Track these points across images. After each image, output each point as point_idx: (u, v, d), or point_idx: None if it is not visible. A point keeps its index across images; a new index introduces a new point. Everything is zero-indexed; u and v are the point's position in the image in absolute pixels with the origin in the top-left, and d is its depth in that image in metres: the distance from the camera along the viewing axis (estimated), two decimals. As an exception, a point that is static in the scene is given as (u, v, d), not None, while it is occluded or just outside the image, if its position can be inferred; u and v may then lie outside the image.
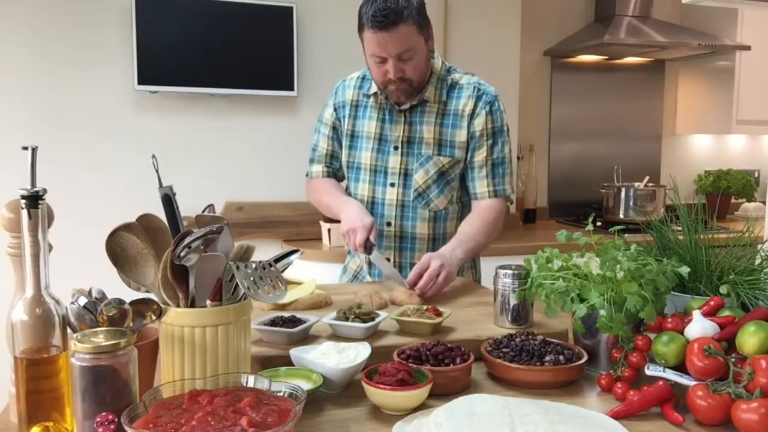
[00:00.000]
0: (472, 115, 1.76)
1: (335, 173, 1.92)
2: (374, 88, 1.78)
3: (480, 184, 1.79)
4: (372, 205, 1.82)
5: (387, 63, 1.64)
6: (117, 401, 0.83)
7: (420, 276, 1.54)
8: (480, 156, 1.77)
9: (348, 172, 1.88)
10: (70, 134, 2.75)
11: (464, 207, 1.86)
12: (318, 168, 1.91)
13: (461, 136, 1.76)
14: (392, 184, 1.79)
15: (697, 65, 3.83)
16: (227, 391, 0.86)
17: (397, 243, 1.81)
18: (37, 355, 0.86)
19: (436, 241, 1.81)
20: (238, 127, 2.98)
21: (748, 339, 0.99)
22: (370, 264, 1.86)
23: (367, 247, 1.63)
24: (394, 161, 1.78)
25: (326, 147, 1.89)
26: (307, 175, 1.96)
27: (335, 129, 1.87)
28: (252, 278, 0.93)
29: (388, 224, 1.81)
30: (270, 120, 3.01)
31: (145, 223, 0.99)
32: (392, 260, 1.81)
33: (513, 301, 1.28)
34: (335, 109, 1.86)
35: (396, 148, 1.78)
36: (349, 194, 1.88)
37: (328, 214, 1.91)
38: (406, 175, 1.79)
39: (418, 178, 1.77)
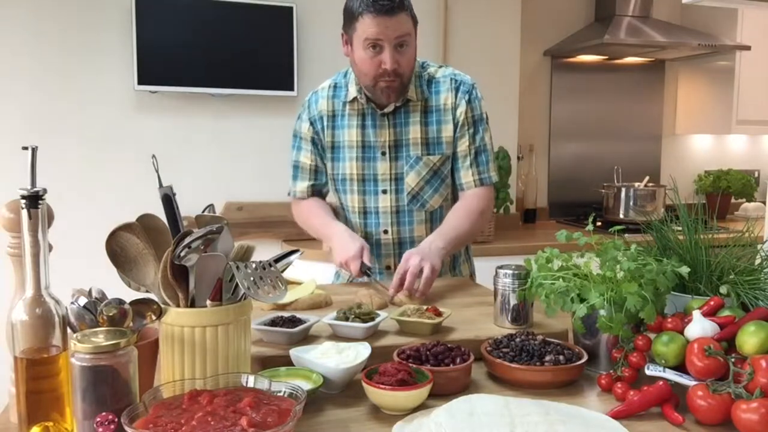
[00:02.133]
0: (453, 107, 1.74)
1: (320, 190, 1.87)
2: (352, 94, 1.74)
3: (465, 174, 1.77)
4: (365, 215, 1.79)
5: (383, 53, 1.61)
6: (117, 401, 0.83)
7: (404, 277, 1.51)
8: (462, 146, 1.75)
9: (336, 185, 1.83)
10: (70, 134, 2.76)
11: (456, 200, 1.84)
12: (302, 186, 1.84)
13: (448, 131, 1.74)
14: (384, 191, 1.76)
15: (697, 65, 3.83)
16: (227, 391, 0.86)
17: (396, 249, 1.79)
18: (37, 355, 0.86)
19: None
20: (238, 127, 2.98)
21: (748, 339, 0.99)
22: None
23: (364, 272, 1.62)
24: (382, 167, 1.75)
25: (309, 162, 1.83)
26: (289, 193, 1.90)
27: (315, 143, 1.82)
28: (252, 278, 0.93)
29: (385, 232, 1.78)
30: (270, 120, 3.01)
31: (145, 223, 0.99)
32: (392, 267, 1.79)
33: (513, 301, 1.28)
34: (311, 123, 1.81)
35: (383, 153, 1.75)
36: (339, 207, 1.85)
37: (316, 237, 1.87)
38: (396, 179, 1.76)
39: (410, 180, 1.75)
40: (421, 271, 1.51)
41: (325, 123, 1.79)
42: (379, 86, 1.66)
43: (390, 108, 1.73)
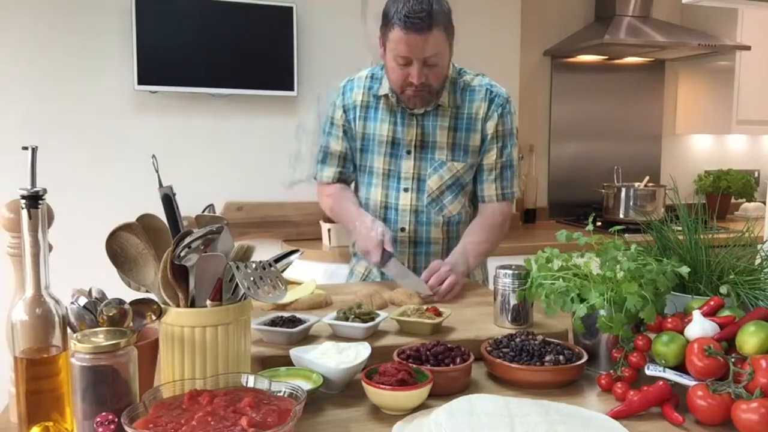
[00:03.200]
0: (484, 119, 1.74)
1: (347, 177, 1.87)
2: (384, 89, 1.74)
3: (488, 187, 1.78)
4: (385, 210, 1.80)
5: (411, 66, 1.60)
6: (117, 401, 0.83)
7: (431, 276, 1.57)
8: (489, 159, 1.76)
9: (359, 176, 1.84)
10: (71, 134, 2.75)
11: (476, 209, 1.85)
12: (329, 172, 1.84)
13: (475, 140, 1.74)
14: (405, 189, 1.77)
15: (697, 65, 3.83)
16: (227, 391, 0.86)
17: (411, 248, 1.79)
18: (37, 355, 0.86)
19: (450, 244, 1.79)
20: (238, 127, 2.97)
21: (748, 339, 0.99)
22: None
23: (384, 261, 1.63)
24: (407, 166, 1.76)
25: (339, 149, 1.82)
26: (315, 177, 1.90)
27: (345, 131, 1.81)
28: (252, 278, 0.93)
29: (402, 230, 1.78)
30: (270, 120, 3.01)
31: (145, 223, 0.99)
32: (406, 265, 1.79)
33: (513, 301, 1.28)
34: (345, 111, 1.80)
35: (409, 152, 1.75)
36: (359, 198, 1.85)
37: (340, 222, 1.89)
38: (419, 179, 1.76)
39: (432, 183, 1.75)
40: (445, 278, 1.57)
41: (358, 113, 1.79)
42: (406, 94, 1.67)
43: (420, 110, 1.73)
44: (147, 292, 0.97)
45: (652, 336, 1.08)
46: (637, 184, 3.54)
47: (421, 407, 0.98)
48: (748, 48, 3.47)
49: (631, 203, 3.46)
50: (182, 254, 0.90)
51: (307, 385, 0.97)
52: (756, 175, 4.08)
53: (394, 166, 1.77)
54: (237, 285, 0.93)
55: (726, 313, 1.09)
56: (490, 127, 1.74)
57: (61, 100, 2.73)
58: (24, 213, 0.85)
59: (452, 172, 1.74)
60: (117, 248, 0.96)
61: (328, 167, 1.85)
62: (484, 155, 1.76)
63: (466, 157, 1.75)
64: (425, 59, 1.58)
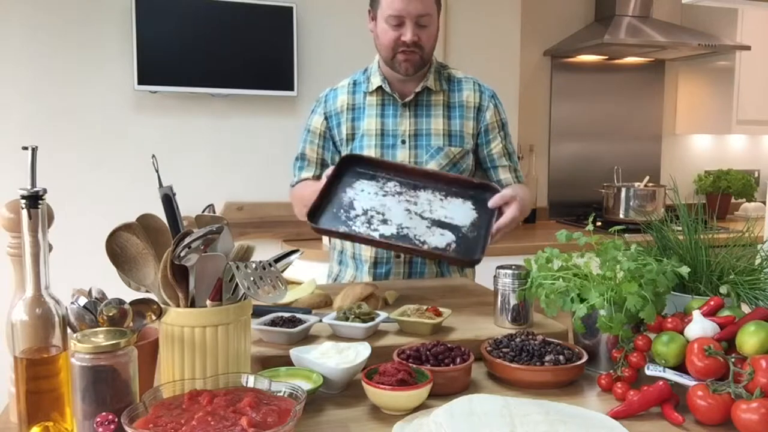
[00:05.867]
0: (479, 108, 1.79)
1: None
2: (375, 84, 1.77)
3: (503, 171, 1.82)
4: None
5: (404, 26, 1.66)
6: (117, 401, 0.83)
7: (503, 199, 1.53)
8: (497, 147, 1.81)
9: None
10: (71, 134, 2.75)
11: None
12: (307, 176, 1.85)
13: (469, 127, 1.79)
14: None
15: (697, 65, 3.83)
16: (227, 391, 0.87)
17: None
18: (37, 355, 0.86)
19: None
20: (238, 127, 2.98)
21: (748, 339, 0.99)
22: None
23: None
24: (402, 155, 1.77)
25: (315, 155, 1.84)
26: (292, 184, 1.90)
27: (325, 138, 1.83)
28: (252, 278, 0.93)
29: None
30: (270, 120, 3.01)
31: (145, 223, 0.99)
32: (403, 258, 1.80)
33: (513, 301, 1.28)
34: (326, 118, 1.82)
35: (403, 142, 1.77)
36: None
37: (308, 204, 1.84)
38: None
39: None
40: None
41: (346, 116, 1.81)
42: (397, 58, 1.71)
43: (411, 96, 1.77)
44: (147, 292, 0.97)
45: (652, 336, 1.08)
46: (637, 184, 3.54)
47: (421, 407, 0.98)
48: (748, 48, 3.47)
49: (631, 203, 3.46)
50: (182, 254, 0.90)
51: (307, 385, 0.97)
52: (756, 175, 4.08)
53: (387, 157, 1.77)
54: (237, 285, 0.93)
55: (726, 313, 1.09)
56: (490, 117, 1.80)
57: (61, 100, 2.73)
58: (24, 213, 0.85)
59: (449, 157, 1.76)
60: (117, 248, 0.96)
61: (305, 172, 1.86)
62: (490, 144, 1.80)
63: (461, 142, 1.78)
64: (417, 18, 1.65)
